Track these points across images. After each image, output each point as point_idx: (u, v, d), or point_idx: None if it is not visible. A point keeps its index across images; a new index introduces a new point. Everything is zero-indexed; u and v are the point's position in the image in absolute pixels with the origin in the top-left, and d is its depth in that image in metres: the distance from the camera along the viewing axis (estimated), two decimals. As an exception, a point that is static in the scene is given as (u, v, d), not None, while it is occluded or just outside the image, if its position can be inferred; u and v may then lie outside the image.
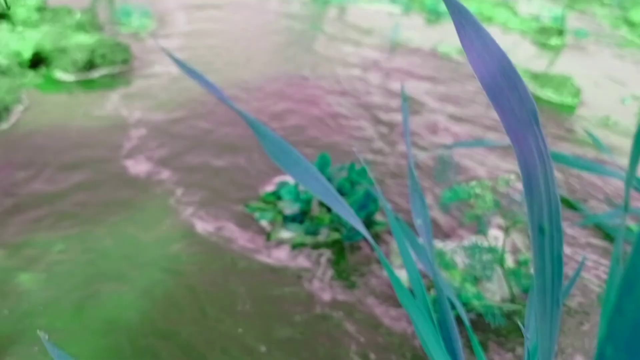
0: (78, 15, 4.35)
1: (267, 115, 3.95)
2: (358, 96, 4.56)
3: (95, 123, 3.50)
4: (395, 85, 4.90)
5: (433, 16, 7.83)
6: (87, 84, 3.96)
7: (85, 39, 4.13)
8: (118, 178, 2.97)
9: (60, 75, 3.92)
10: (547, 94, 5.25)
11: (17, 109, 3.36)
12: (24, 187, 2.80)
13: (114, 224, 2.59)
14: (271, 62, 5.15)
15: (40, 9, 5.19)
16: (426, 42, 6.34)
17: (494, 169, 3.60)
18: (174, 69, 4.58)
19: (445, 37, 6.69)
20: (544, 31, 7.52)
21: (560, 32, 7.41)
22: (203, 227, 2.64)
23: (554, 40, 7.36)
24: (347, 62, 5.35)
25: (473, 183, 2.11)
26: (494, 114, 4.62)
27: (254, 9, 6.83)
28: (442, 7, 8.02)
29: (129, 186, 2.91)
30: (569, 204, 3.33)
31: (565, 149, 4.24)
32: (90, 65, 4.01)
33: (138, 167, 3.13)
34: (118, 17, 5.43)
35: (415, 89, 4.93)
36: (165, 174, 3.09)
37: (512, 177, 2.11)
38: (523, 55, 6.47)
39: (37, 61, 3.97)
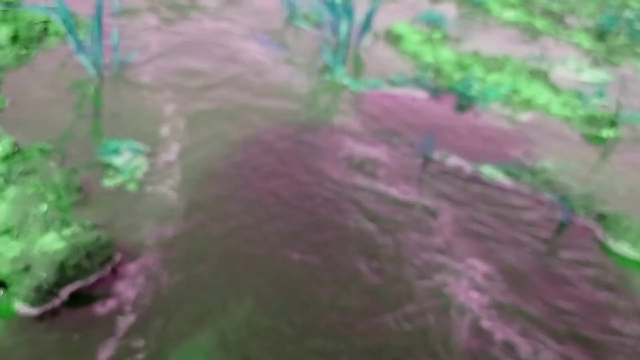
0: (45, 207, 3.45)
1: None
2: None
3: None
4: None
5: (465, 101, 6.91)
6: (53, 317, 3.08)
7: (54, 242, 3.24)
8: None
9: (19, 307, 3.04)
10: (624, 248, 4.30)
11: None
12: None
13: None
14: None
15: (9, 157, 4.32)
16: (465, 158, 5.41)
17: None
18: (165, 256, 3.68)
19: (486, 147, 5.77)
20: (592, 120, 6.56)
21: (613, 123, 6.46)
22: None
23: (606, 132, 6.42)
24: (357, 214, 4.41)
25: None
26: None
27: (256, 110, 5.87)
28: (473, 90, 7.11)
29: None
30: None
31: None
32: (59, 284, 3.13)
33: None
34: (103, 158, 4.55)
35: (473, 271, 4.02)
36: None
37: None
38: (577, 167, 5.52)
39: (-8, 284, 3.10)
